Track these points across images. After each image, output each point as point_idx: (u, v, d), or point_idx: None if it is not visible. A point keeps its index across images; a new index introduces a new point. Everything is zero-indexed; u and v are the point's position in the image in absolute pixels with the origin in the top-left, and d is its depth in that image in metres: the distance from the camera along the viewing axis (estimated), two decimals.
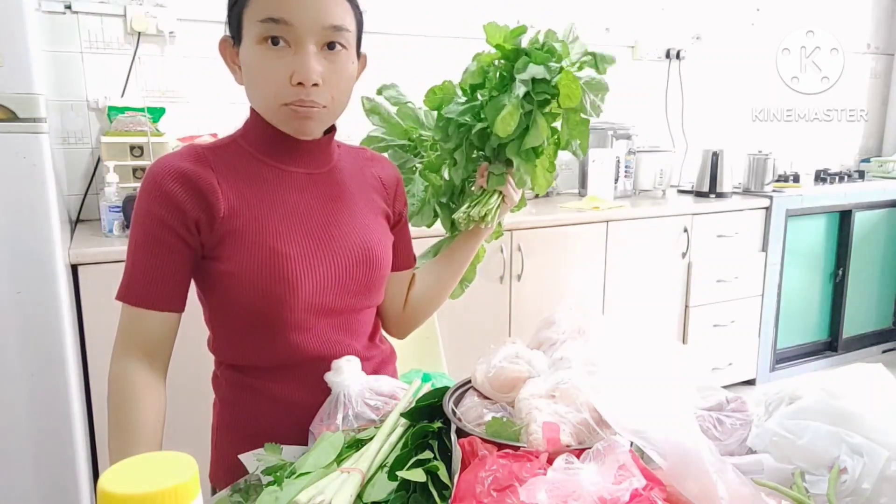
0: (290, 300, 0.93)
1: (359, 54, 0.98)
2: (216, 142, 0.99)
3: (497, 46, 1.09)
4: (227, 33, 0.94)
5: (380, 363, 1.08)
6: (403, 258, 1.14)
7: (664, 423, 0.68)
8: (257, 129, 0.97)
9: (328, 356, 0.96)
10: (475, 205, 1.10)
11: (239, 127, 1.01)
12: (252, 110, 0.98)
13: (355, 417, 0.89)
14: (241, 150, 0.97)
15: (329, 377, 0.93)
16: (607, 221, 2.65)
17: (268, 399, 0.98)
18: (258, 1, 0.88)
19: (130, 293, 0.92)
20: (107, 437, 0.90)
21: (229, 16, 0.93)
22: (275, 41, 0.87)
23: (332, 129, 1.02)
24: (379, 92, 1.23)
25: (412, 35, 2.71)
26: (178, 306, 0.94)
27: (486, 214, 1.10)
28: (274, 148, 0.97)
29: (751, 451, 0.81)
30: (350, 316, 1.02)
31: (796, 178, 3.45)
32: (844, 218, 3.41)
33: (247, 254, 0.91)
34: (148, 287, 0.91)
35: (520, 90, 1.03)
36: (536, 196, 2.87)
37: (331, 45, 0.90)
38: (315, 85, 0.89)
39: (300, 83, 0.88)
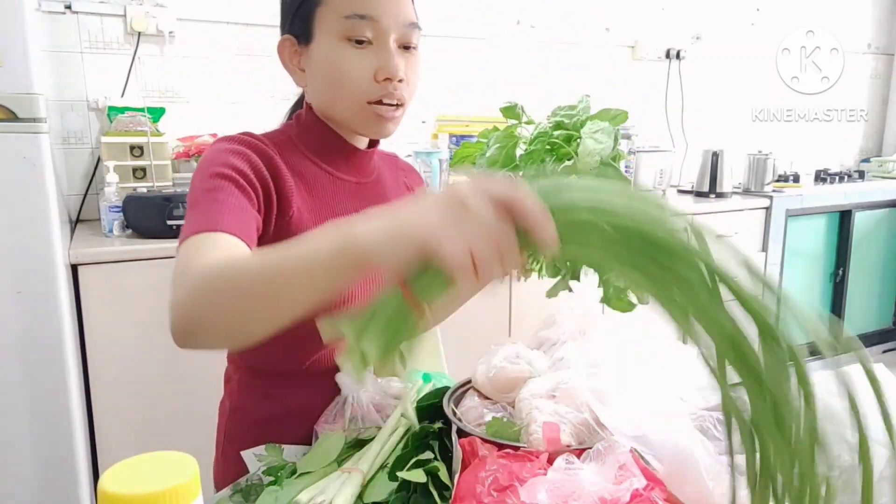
0: (337, 311, 0.92)
1: None
2: (272, 134, 0.93)
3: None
4: (289, 34, 0.91)
5: None
6: None
7: (662, 427, 0.68)
8: (317, 131, 0.94)
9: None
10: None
11: (286, 122, 0.98)
12: (309, 111, 0.95)
13: (363, 420, 0.88)
14: (296, 148, 0.93)
15: (340, 378, 0.92)
16: None
17: (280, 405, 0.96)
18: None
19: (208, 223, 0.73)
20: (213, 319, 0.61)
21: (293, 17, 0.90)
22: (359, 39, 0.85)
23: (377, 140, 1.00)
24: None
25: None
26: (253, 244, 0.78)
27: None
28: (330, 153, 0.94)
29: None
30: None
31: (796, 178, 3.45)
32: (844, 218, 3.41)
33: None
34: (227, 217, 0.74)
35: None
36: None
37: (406, 46, 0.90)
38: (400, 81, 0.88)
39: (387, 79, 0.86)
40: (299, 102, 1.01)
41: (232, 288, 0.61)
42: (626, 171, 3.02)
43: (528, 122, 1.09)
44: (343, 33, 0.85)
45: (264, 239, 0.84)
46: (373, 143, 1.00)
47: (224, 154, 0.82)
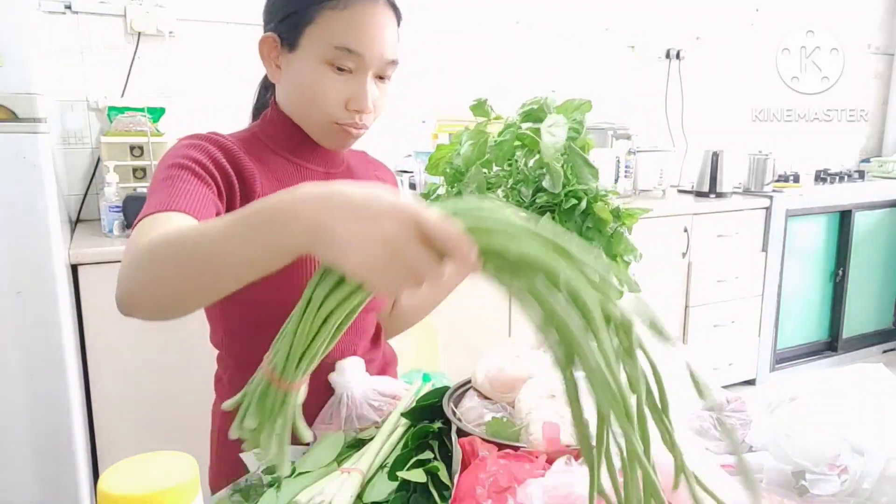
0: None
1: None
2: (238, 133, 0.98)
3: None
4: (273, 33, 0.93)
5: (382, 366, 1.09)
6: None
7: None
8: (280, 125, 0.97)
9: (335, 356, 0.96)
10: None
11: (253, 122, 1.00)
12: (275, 107, 0.98)
13: (358, 418, 0.89)
14: (263, 144, 0.97)
15: (333, 378, 0.93)
16: None
17: None
18: (330, 25, 0.88)
19: (162, 204, 0.76)
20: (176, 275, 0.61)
21: (281, 19, 0.91)
22: (340, 67, 0.89)
23: None
24: None
25: (410, 33, 2.71)
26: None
27: None
28: (295, 145, 0.98)
29: (751, 450, 0.81)
30: (360, 315, 1.02)
31: (796, 178, 3.45)
32: (844, 218, 3.41)
33: None
34: (182, 199, 0.77)
35: None
36: None
37: (381, 76, 0.93)
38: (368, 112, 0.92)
39: (356, 110, 0.91)
40: (262, 104, 1.06)
41: (172, 253, 0.62)
42: (626, 170, 3.03)
43: (497, 118, 1.11)
44: (327, 58, 0.89)
45: None
46: None
47: (183, 149, 0.86)
